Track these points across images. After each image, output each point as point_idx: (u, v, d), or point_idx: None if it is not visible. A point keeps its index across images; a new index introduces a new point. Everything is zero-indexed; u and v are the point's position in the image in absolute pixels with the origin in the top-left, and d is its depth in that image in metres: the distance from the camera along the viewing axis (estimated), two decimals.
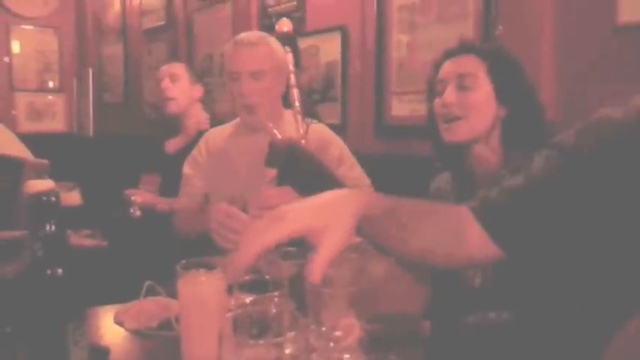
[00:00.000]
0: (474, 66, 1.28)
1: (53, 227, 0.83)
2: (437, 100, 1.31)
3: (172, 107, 2.41)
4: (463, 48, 1.33)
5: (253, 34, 1.83)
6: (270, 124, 1.60)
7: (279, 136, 1.58)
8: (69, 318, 0.84)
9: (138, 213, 2.05)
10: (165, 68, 2.50)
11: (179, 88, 2.43)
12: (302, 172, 1.49)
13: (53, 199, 0.84)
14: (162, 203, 2.09)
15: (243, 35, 1.80)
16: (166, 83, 2.43)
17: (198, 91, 2.48)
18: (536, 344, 1.04)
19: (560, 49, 1.77)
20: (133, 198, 2.08)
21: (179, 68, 2.49)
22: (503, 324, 1.15)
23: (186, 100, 2.43)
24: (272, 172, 1.47)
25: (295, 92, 1.63)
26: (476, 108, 1.26)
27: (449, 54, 1.33)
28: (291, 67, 1.67)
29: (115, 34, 4.53)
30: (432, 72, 1.36)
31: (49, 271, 0.83)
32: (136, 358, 1.13)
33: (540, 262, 1.01)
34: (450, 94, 1.27)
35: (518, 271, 1.09)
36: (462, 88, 1.27)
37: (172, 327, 1.17)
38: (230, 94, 1.82)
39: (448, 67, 1.31)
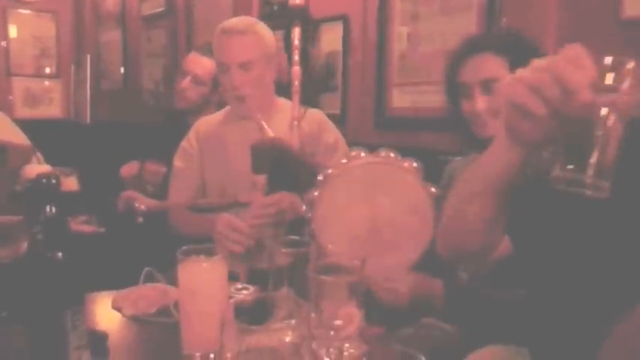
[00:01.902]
0: (495, 67, 1.28)
1: (53, 210, 0.82)
2: (465, 103, 1.33)
3: (182, 104, 2.32)
4: (480, 45, 1.32)
5: (241, 21, 1.76)
6: (262, 122, 1.59)
7: (269, 133, 1.57)
8: (67, 303, 0.84)
9: (140, 219, 2.05)
10: (192, 65, 2.30)
11: (199, 91, 2.30)
12: (291, 172, 1.49)
13: (53, 181, 0.83)
14: (161, 205, 2.08)
15: (230, 23, 1.74)
16: (187, 84, 2.29)
17: (208, 87, 2.33)
18: (548, 322, 1.05)
19: (564, 43, 1.76)
20: (136, 205, 2.07)
21: (207, 71, 2.27)
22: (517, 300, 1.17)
23: (201, 101, 2.32)
24: (261, 179, 1.46)
25: (296, 70, 1.61)
26: None
27: (466, 52, 1.33)
28: (296, 43, 1.63)
29: (114, 20, 4.49)
30: (449, 71, 1.37)
31: (48, 255, 0.82)
32: (135, 344, 1.13)
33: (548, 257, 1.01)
34: (478, 102, 1.29)
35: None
36: (487, 91, 1.28)
37: (171, 313, 1.17)
38: (222, 84, 1.80)
39: (469, 71, 1.32)
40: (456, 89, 1.35)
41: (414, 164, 1.25)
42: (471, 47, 1.33)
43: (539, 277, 1.06)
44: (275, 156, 1.50)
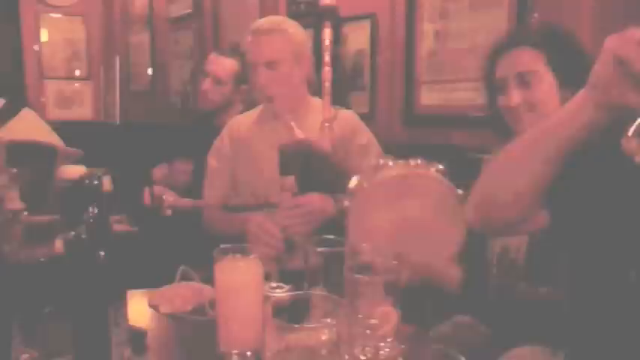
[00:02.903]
0: (531, 61, 1.27)
1: (95, 210, 0.84)
2: (501, 98, 1.32)
3: (205, 105, 2.33)
4: (516, 40, 1.31)
5: (269, 21, 1.77)
6: (292, 123, 1.59)
7: (298, 134, 1.57)
8: (109, 300, 0.86)
9: (169, 212, 2.09)
10: (213, 66, 2.31)
11: (220, 92, 2.31)
12: (320, 173, 1.49)
13: (95, 182, 0.85)
14: (191, 204, 2.11)
15: (258, 23, 1.75)
16: (209, 85, 2.30)
17: (243, 90, 2.35)
18: (588, 322, 1.04)
19: (599, 39, 1.72)
20: (164, 197, 2.11)
21: (227, 71, 2.29)
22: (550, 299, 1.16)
23: (223, 101, 2.33)
24: (289, 180, 1.47)
25: (327, 71, 1.60)
26: (542, 102, 1.26)
27: (502, 48, 1.32)
28: (327, 43, 1.63)
29: (142, 23, 4.55)
30: (487, 67, 1.36)
31: (91, 254, 0.84)
32: (171, 341, 1.15)
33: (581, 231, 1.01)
34: (513, 96, 1.28)
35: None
36: (523, 85, 1.27)
37: (206, 311, 1.18)
38: (252, 84, 1.81)
39: (505, 65, 1.30)
40: (492, 85, 1.34)
41: (441, 167, 1.24)
42: (507, 42, 1.32)
43: (578, 258, 1.05)
44: (302, 158, 1.50)
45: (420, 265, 1.21)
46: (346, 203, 1.21)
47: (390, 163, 1.23)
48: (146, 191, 2.32)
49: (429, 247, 1.18)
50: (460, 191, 1.25)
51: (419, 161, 1.23)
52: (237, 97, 2.35)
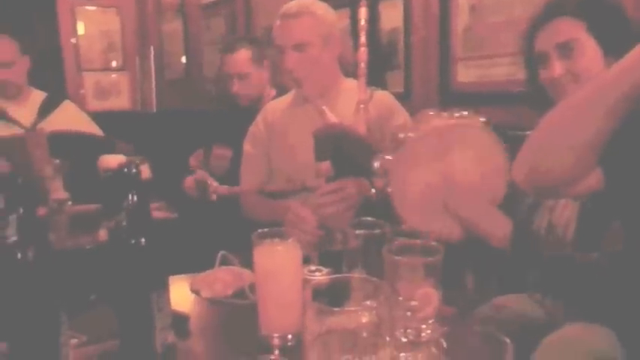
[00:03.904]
0: (571, 30, 1.22)
1: (136, 198, 0.85)
2: (543, 72, 1.28)
3: (245, 102, 2.36)
4: (554, 10, 1.26)
5: (297, 4, 1.74)
6: (323, 107, 1.57)
7: (330, 118, 1.56)
8: (152, 286, 0.87)
9: (214, 197, 2.14)
10: (233, 67, 2.34)
11: (249, 84, 2.34)
12: (354, 157, 1.47)
13: (134, 170, 0.86)
14: (227, 190, 2.15)
15: (287, 6, 1.73)
16: (237, 87, 2.34)
17: (267, 69, 2.38)
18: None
19: None
20: (209, 182, 2.16)
21: (246, 65, 2.33)
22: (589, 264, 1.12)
23: (259, 91, 2.36)
24: (325, 165, 1.45)
25: (363, 52, 1.57)
26: (586, 71, 1.21)
27: (540, 20, 1.27)
28: (363, 23, 1.60)
29: (174, 11, 4.59)
30: (526, 41, 1.32)
31: (132, 241, 0.85)
32: (214, 325, 1.17)
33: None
34: (556, 67, 1.23)
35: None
36: (565, 55, 1.23)
37: (246, 295, 1.19)
38: (280, 68, 1.80)
39: (544, 37, 1.26)
40: (532, 59, 1.30)
41: (484, 119, 1.21)
42: (545, 13, 1.27)
43: (632, 224, 1.01)
44: (336, 142, 1.48)
45: (467, 218, 1.19)
46: (388, 158, 1.20)
47: (432, 113, 1.21)
48: (189, 178, 2.37)
49: (474, 200, 1.16)
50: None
51: (464, 113, 1.21)
52: (266, 75, 2.37)
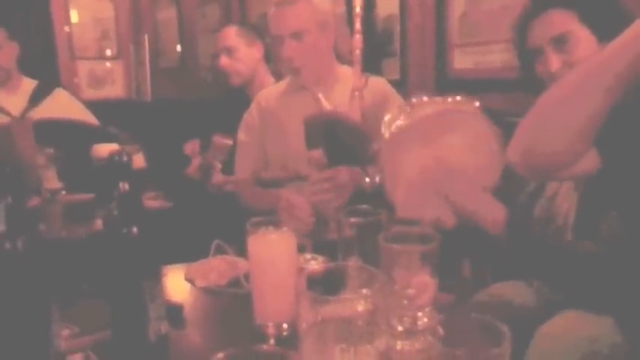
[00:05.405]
0: (564, 22, 1.21)
1: (127, 187, 0.83)
2: (539, 65, 1.27)
3: (236, 80, 2.35)
4: (544, 2, 1.25)
5: None
6: (319, 94, 1.56)
7: (325, 105, 1.54)
8: (145, 275, 0.86)
9: (230, 187, 2.14)
10: (220, 42, 2.37)
11: (238, 59, 2.33)
12: (348, 145, 1.46)
13: (125, 159, 0.84)
14: (223, 180, 2.15)
15: None
16: (224, 60, 2.33)
17: (258, 50, 2.36)
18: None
19: None
20: (214, 164, 2.17)
21: (233, 38, 2.35)
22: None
23: (249, 68, 2.34)
24: (316, 153, 1.44)
25: (358, 39, 1.56)
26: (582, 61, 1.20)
27: (531, 12, 1.26)
28: (358, 10, 1.58)
29: None
30: (518, 34, 1.30)
31: (124, 230, 0.84)
32: (208, 315, 1.16)
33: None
34: (552, 62, 1.23)
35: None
36: (560, 48, 1.22)
37: (241, 284, 1.18)
38: (276, 57, 1.78)
39: (537, 31, 1.25)
40: (526, 52, 1.28)
41: (477, 104, 1.20)
42: (537, 5, 1.26)
43: (628, 208, 1.00)
44: (328, 130, 1.47)
45: (460, 203, 1.18)
46: (383, 140, 1.19)
47: (426, 99, 1.20)
48: (193, 162, 2.36)
49: (467, 185, 1.15)
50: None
51: (457, 97, 1.20)
52: (257, 55, 2.35)
